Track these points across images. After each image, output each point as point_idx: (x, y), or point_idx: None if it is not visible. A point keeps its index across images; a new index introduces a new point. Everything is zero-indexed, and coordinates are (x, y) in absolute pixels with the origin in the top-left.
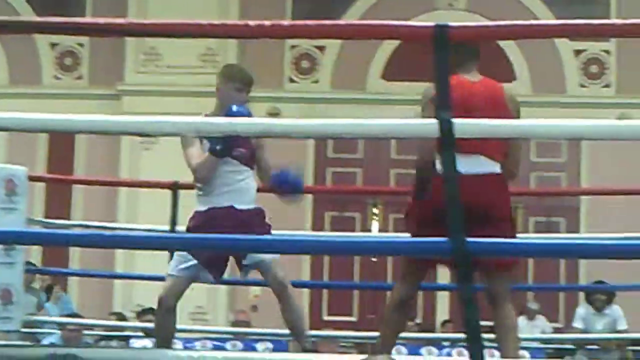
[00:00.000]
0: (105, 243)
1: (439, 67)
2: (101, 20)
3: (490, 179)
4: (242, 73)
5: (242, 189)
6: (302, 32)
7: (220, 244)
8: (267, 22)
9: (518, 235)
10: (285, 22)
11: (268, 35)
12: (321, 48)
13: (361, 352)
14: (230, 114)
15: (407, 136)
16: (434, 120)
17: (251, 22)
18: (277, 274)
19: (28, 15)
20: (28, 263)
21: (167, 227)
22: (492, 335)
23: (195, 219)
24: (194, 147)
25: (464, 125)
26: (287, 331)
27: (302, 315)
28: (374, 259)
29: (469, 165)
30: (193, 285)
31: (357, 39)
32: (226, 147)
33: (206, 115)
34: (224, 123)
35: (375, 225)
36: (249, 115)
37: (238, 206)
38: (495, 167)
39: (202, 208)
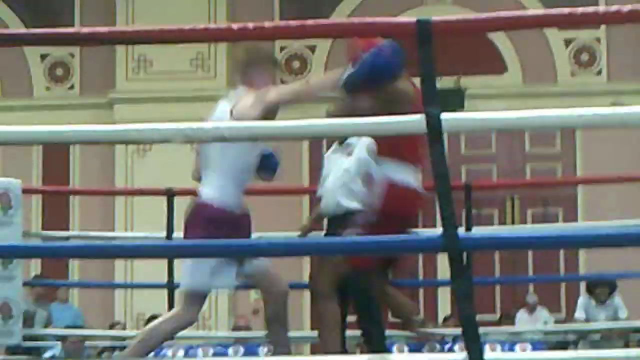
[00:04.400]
0: (103, 253)
1: (423, 63)
2: (87, 29)
3: None
4: (274, 59)
5: None
6: (284, 32)
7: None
8: (250, 25)
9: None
10: (268, 24)
11: (251, 37)
12: (312, 48)
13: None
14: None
15: (396, 133)
16: (421, 116)
17: (234, 25)
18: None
19: (15, 25)
20: (36, 277)
21: (163, 234)
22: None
23: (231, 219)
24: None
25: (451, 120)
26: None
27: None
28: None
29: None
30: None
31: (340, 37)
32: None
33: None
34: (210, 128)
35: None
36: None
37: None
38: None
39: (236, 210)
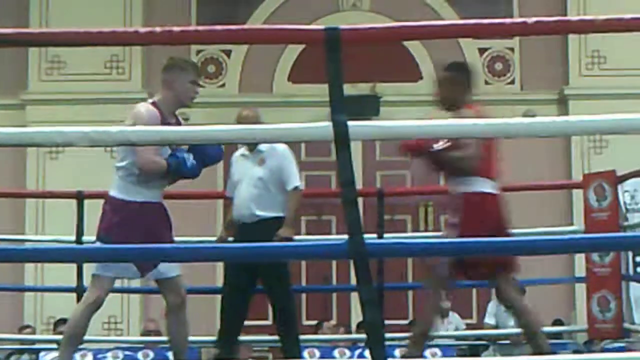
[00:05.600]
0: (10, 257)
1: (331, 70)
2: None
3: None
4: (194, 65)
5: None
6: (192, 37)
7: (136, 254)
8: (157, 29)
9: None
10: (176, 28)
11: (160, 42)
12: (227, 52)
13: (276, 357)
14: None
15: (303, 140)
16: (328, 124)
17: (142, 29)
18: (182, 289)
19: None
20: None
21: (73, 237)
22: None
23: (127, 210)
24: None
25: (357, 128)
26: (198, 337)
27: (188, 334)
28: None
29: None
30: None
31: (250, 43)
32: (179, 165)
33: (153, 104)
34: (116, 132)
35: None
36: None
37: (164, 203)
38: None
39: (135, 199)
